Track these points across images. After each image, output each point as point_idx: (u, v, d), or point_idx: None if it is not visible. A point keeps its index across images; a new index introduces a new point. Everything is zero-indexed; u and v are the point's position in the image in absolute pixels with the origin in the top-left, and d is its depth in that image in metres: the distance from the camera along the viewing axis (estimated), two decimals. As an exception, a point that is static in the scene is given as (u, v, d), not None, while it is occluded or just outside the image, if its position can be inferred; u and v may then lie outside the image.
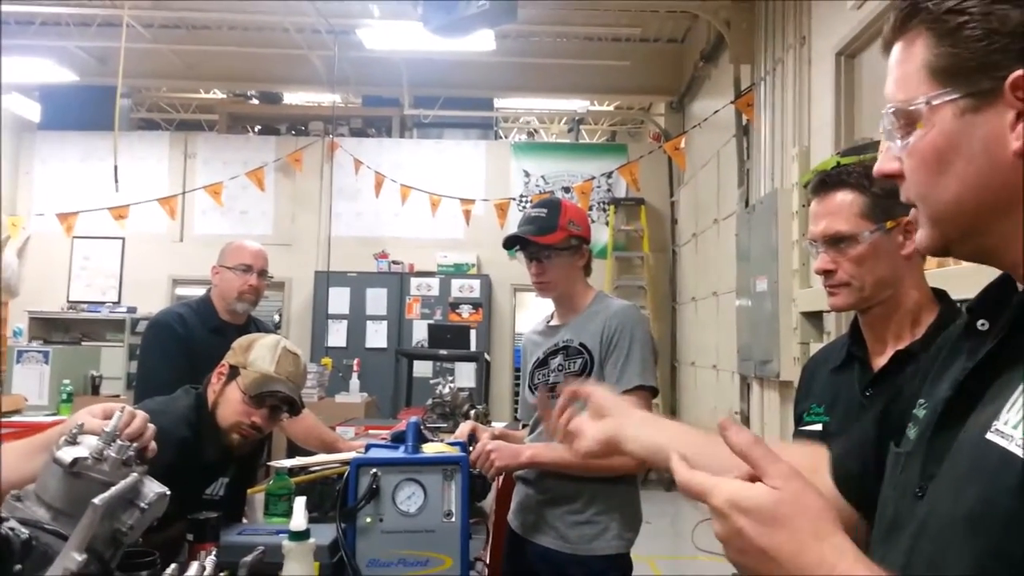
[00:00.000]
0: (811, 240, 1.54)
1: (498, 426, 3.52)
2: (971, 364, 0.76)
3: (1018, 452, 0.64)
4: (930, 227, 0.78)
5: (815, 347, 3.79)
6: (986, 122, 0.71)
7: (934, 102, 0.73)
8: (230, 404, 1.92)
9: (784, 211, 4.40)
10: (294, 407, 2.02)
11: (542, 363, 2.26)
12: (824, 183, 1.52)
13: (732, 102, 5.85)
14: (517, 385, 4.09)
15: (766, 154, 5.17)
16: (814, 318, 4.08)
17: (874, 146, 2.85)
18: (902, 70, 0.77)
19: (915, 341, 1.42)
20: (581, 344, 2.18)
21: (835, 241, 1.48)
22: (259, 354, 1.97)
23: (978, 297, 0.82)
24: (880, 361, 1.47)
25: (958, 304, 1.49)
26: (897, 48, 0.78)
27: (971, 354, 0.79)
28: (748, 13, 5.69)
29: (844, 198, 1.48)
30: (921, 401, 0.86)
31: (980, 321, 0.80)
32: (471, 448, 2.12)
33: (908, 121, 0.76)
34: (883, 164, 0.82)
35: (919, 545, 0.72)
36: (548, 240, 2.18)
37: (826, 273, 1.50)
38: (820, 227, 1.50)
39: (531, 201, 8.33)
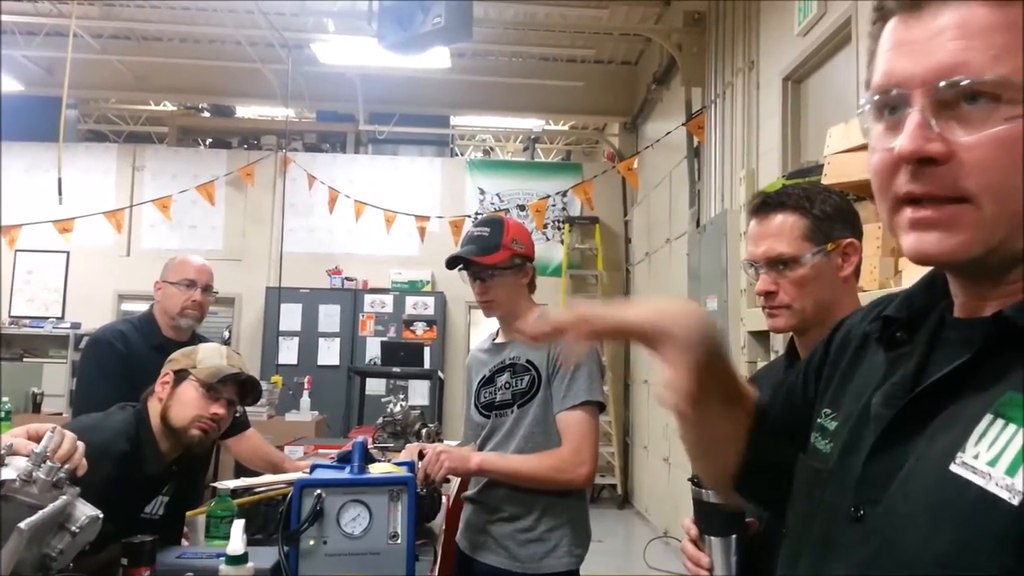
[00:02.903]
0: (751, 261, 1.53)
1: (450, 444, 3.51)
2: (917, 383, 0.72)
3: (1003, 495, 0.59)
4: (983, 229, 0.65)
5: (762, 366, 3.84)
6: None
7: None
8: (185, 403, 1.92)
9: (732, 232, 4.47)
10: (256, 390, 2.06)
11: (488, 381, 2.26)
12: (765, 204, 1.52)
13: (683, 124, 5.94)
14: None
15: (716, 175, 5.26)
16: (761, 337, 4.14)
17: (819, 169, 2.91)
18: (1003, 36, 0.64)
19: None
20: (528, 361, 2.19)
21: (777, 263, 1.47)
22: (207, 353, 2.01)
23: (898, 306, 0.80)
24: None
25: None
26: (980, 6, 0.65)
27: (893, 366, 0.76)
28: (699, 37, 5.80)
29: (785, 220, 1.48)
30: (828, 411, 0.84)
31: (899, 333, 0.77)
32: (419, 465, 2.11)
33: (995, 95, 0.63)
34: (921, 144, 0.65)
35: None
36: (491, 260, 2.18)
37: (767, 295, 1.49)
38: (761, 248, 1.50)
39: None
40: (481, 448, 2.26)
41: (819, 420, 0.85)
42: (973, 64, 0.64)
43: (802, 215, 1.47)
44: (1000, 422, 0.62)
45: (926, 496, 0.65)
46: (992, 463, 0.61)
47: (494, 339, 2.36)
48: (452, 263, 2.24)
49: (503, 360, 2.24)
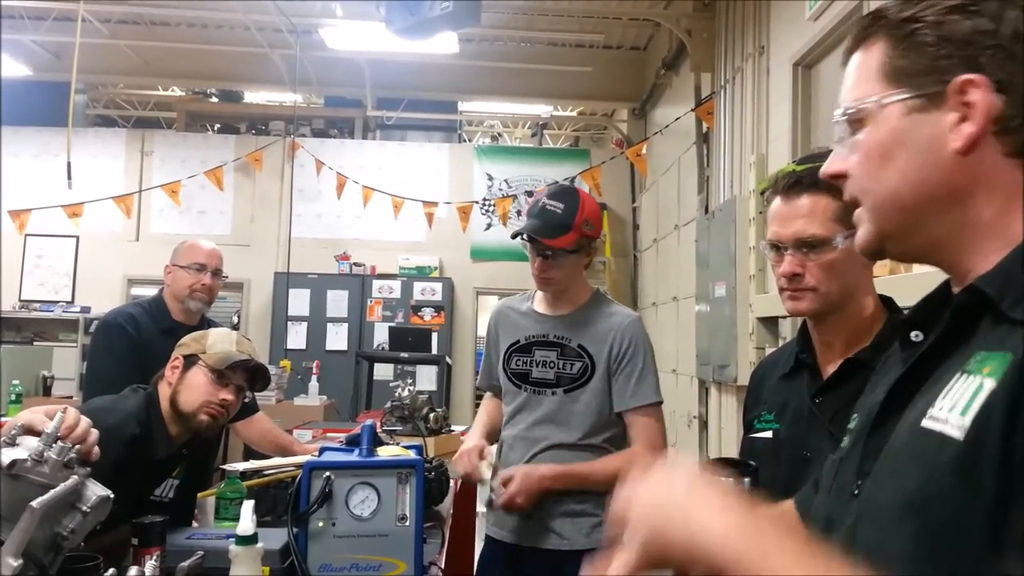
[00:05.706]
0: (776, 242, 1.48)
1: (457, 430, 3.52)
2: (904, 369, 0.78)
3: (953, 433, 0.65)
4: (869, 222, 0.81)
5: (770, 352, 3.84)
6: (930, 122, 0.75)
7: (884, 101, 0.78)
8: (194, 388, 1.93)
9: (742, 218, 4.45)
10: (265, 377, 2.06)
11: (523, 348, 2.20)
12: (798, 183, 1.46)
13: (693, 110, 5.91)
14: (479, 390, 4.04)
15: (725, 161, 5.23)
16: (770, 323, 4.13)
17: (829, 155, 2.89)
18: (858, 75, 0.81)
19: (864, 349, 1.41)
20: (580, 347, 2.15)
21: (806, 245, 1.44)
22: (216, 338, 2.01)
23: (915, 308, 0.84)
24: (830, 368, 1.46)
25: (904, 311, 1.49)
26: (856, 56, 0.82)
27: (905, 363, 0.80)
28: (709, 22, 5.75)
29: (817, 201, 1.44)
30: (855, 416, 0.88)
31: (914, 333, 0.81)
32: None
33: (859, 120, 0.80)
34: (830, 166, 0.85)
35: (858, 536, 0.73)
36: (559, 244, 2.11)
37: (792, 277, 1.45)
38: (791, 229, 1.45)
39: (493, 205, 8.32)
40: (512, 417, 2.23)
41: (848, 425, 0.89)
42: (844, 98, 0.83)
43: (834, 196, 1.40)
44: (964, 376, 0.69)
45: (901, 453, 0.72)
46: (951, 410, 0.67)
47: (531, 301, 2.29)
48: (519, 237, 2.16)
49: (547, 335, 2.19)
